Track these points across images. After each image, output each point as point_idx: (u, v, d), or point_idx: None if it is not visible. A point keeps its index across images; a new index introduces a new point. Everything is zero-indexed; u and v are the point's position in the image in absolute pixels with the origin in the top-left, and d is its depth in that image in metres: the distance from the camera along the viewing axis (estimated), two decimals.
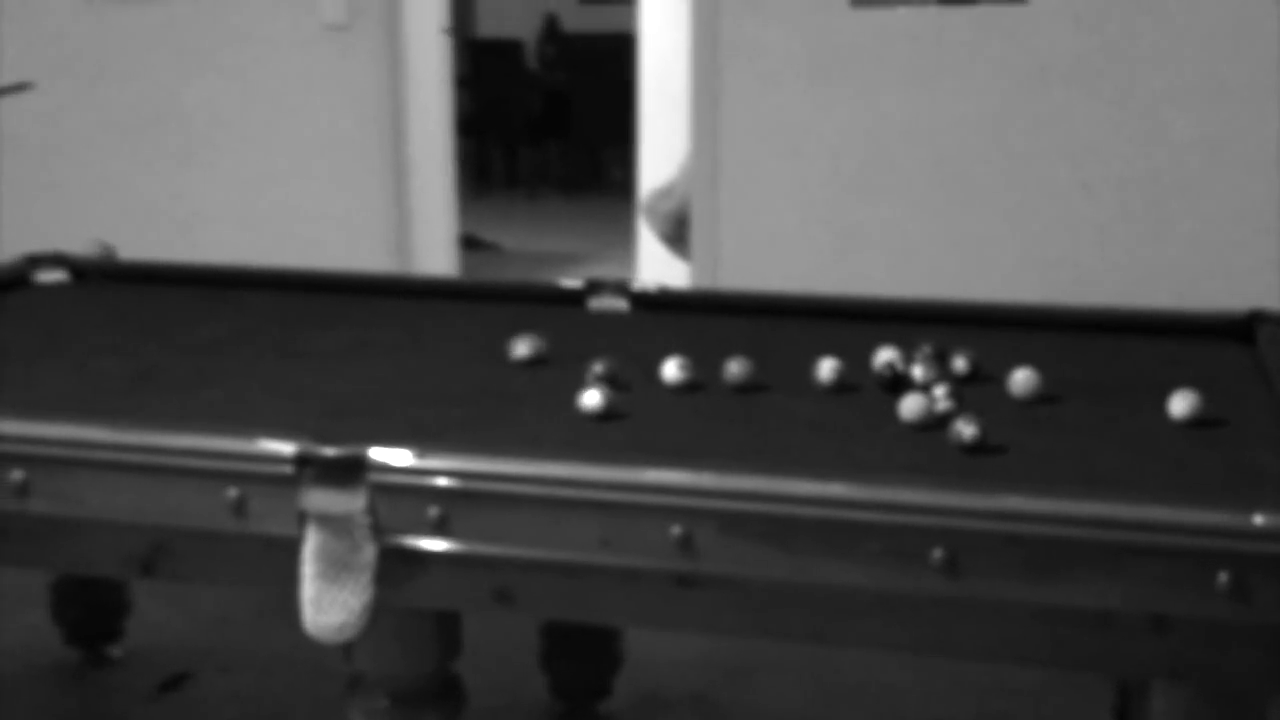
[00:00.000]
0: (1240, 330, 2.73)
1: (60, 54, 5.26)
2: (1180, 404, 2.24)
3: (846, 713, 3.25)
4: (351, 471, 2.01)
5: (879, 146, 4.47)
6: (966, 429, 2.13)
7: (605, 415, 2.28)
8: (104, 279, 3.27)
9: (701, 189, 4.64)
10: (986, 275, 4.37)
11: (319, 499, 2.02)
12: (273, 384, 2.50)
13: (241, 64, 5.10)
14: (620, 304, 3.02)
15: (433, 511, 2.00)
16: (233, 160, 5.16)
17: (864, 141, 4.48)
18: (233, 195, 5.17)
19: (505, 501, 1.99)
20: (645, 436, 2.21)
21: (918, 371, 2.42)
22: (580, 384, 2.38)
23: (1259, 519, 1.77)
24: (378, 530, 2.02)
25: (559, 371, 2.52)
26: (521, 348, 2.59)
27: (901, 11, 4.37)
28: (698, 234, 4.68)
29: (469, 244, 8.12)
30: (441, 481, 2.00)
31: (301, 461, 2.03)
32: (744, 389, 2.43)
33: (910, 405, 2.25)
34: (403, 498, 2.01)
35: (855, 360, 2.47)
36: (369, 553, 2.02)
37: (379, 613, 2.05)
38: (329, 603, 2.03)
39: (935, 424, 2.22)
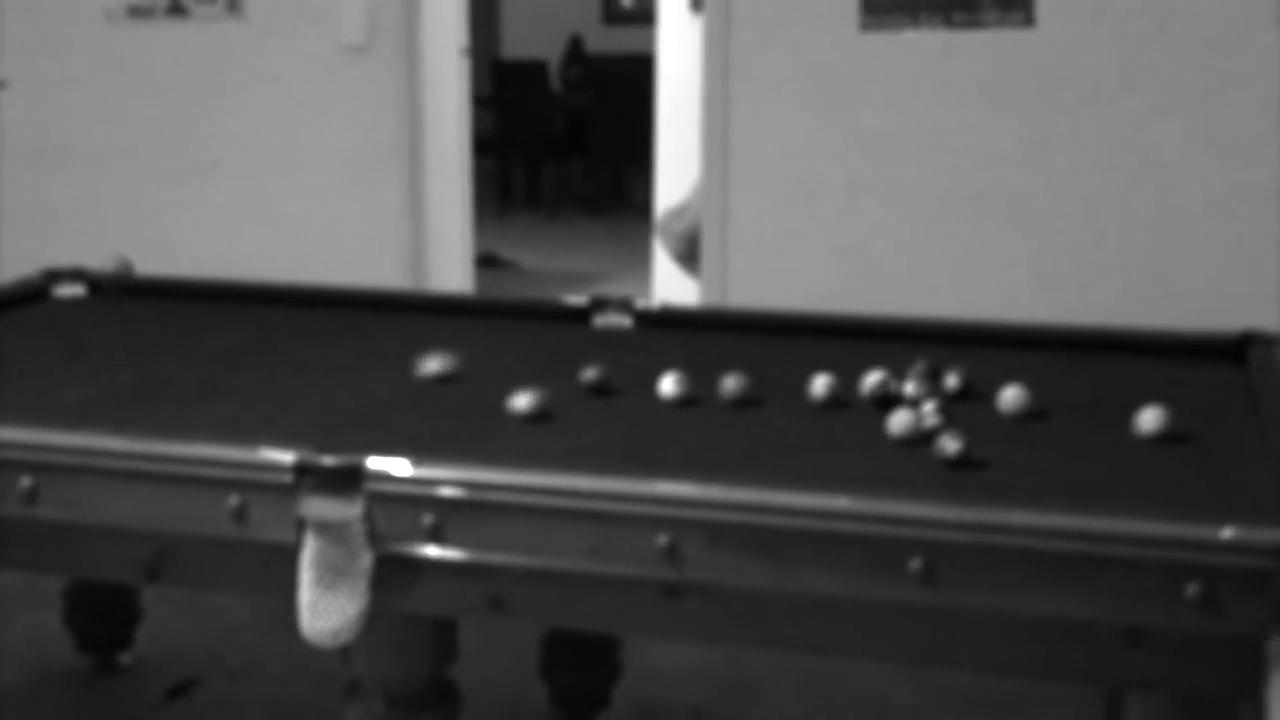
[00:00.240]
0: (1232, 350, 2.77)
1: (85, 71, 5.35)
2: (1149, 420, 2.29)
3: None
4: (349, 480, 2.07)
5: (887, 168, 4.53)
6: (951, 444, 2.17)
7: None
8: (121, 293, 3.34)
9: (712, 208, 4.69)
10: (994, 294, 4.42)
11: (317, 507, 2.07)
12: (278, 396, 2.56)
13: (262, 83, 5.18)
14: (624, 321, 3.07)
15: (428, 520, 2.06)
16: (252, 178, 5.24)
17: (872, 162, 4.53)
18: (252, 212, 5.25)
19: (498, 510, 2.05)
20: (638, 448, 2.26)
21: (909, 388, 2.47)
22: (583, 399, 2.44)
23: (1227, 532, 1.81)
24: (374, 538, 2.07)
25: (560, 385, 2.58)
26: (431, 364, 2.64)
27: (909, 35, 4.42)
28: (708, 253, 4.73)
29: (488, 262, 8.19)
30: (436, 491, 2.06)
31: (300, 470, 2.08)
32: (739, 404, 2.49)
33: (898, 421, 2.30)
34: (398, 506, 2.07)
35: (850, 377, 2.52)
36: (365, 559, 2.07)
37: (375, 618, 2.10)
38: (325, 608, 2.08)
39: (923, 439, 2.27)
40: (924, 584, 1.90)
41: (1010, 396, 2.44)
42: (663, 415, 2.45)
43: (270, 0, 5.11)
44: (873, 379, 2.48)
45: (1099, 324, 2.97)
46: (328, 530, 2.07)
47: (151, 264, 3.71)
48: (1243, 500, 2.00)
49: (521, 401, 2.41)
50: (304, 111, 5.15)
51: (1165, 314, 3.66)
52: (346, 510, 2.07)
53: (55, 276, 3.36)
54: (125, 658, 3.55)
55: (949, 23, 4.37)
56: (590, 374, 2.53)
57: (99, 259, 3.56)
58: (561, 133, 10.88)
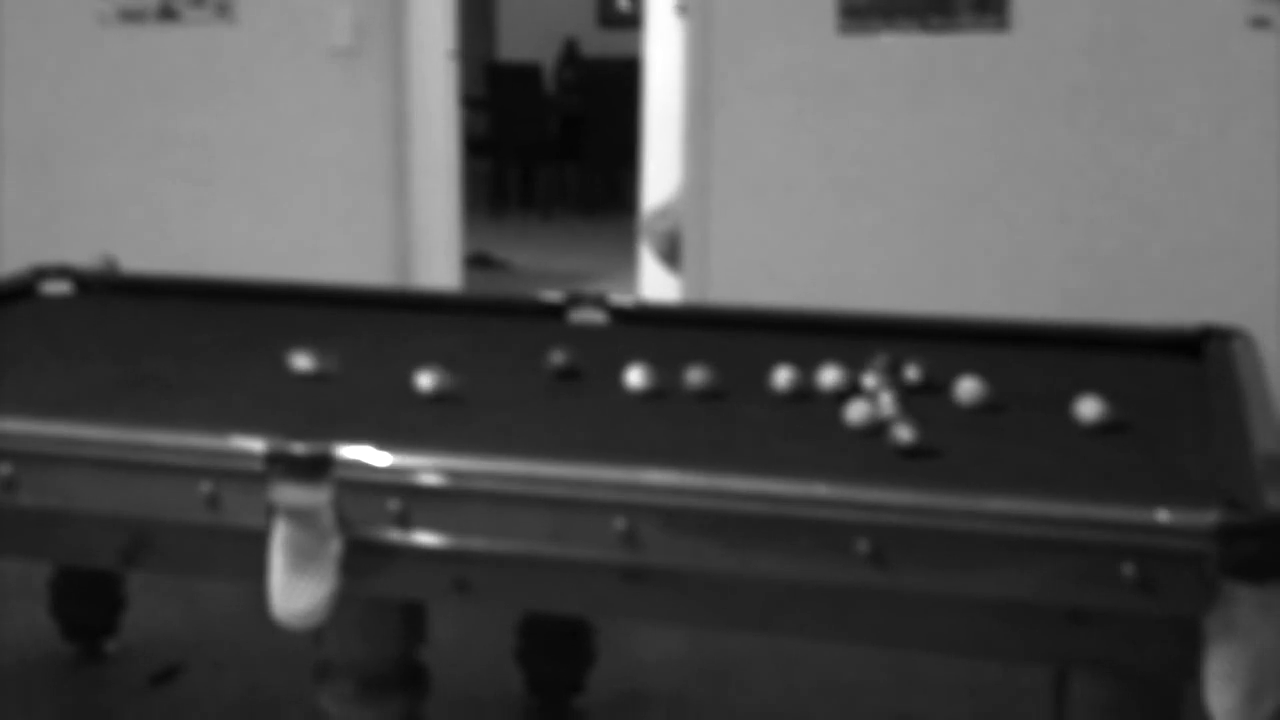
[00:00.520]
0: (1191, 344, 2.84)
1: (76, 73, 5.42)
2: (1087, 409, 2.36)
3: (819, 709, 3.35)
4: (318, 468, 2.14)
5: (864, 168, 4.59)
6: (904, 433, 2.24)
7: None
8: (107, 291, 3.41)
9: (693, 208, 4.76)
10: (969, 291, 4.48)
11: (287, 493, 2.14)
12: (254, 388, 2.63)
13: (252, 85, 5.24)
14: (598, 317, 3.14)
15: (394, 505, 2.12)
16: (241, 179, 5.30)
17: (850, 163, 4.60)
18: (241, 213, 5.32)
19: (462, 496, 2.11)
20: (602, 437, 2.33)
21: (868, 379, 2.54)
22: (551, 391, 2.50)
23: (1162, 515, 1.88)
24: (342, 523, 2.14)
25: (531, 378, 2.65)
26: (300, 361, 2.71)
27: (886, 38, 4.49)
28: (689, 252, 4.80)
29: (481, 262, 8.27)
30: (402, 477, 2.13)
31: (271, 458, 2.15)
32: (703, 395, 2.55)
33: (855, 411, 2.37)
34: (366, 492, 2.14)
35: (813, 370, 2.58)
36: (334, 544, 2.14)
37: (344, 601, 2.17)
38: (295, 591, 2.15)
39: (879, 429, 2.33)
40: (872, 566, 1.96)
41: (966, 388, 2.51)
42: (628, 405, 2.51)
43: (259, 4, 5.18)
44: (831, 377, 2.55)
45: (1070, 320, 3.03)
46: (297, 516, 2.14)
47: (141, 263, 3.78)
48: (1181, 486, 2.06)
49: (425, 381, 2.51)
50: (293, 114, 5.22)
51: (1139, 310, 3.73)
52: (315, 496, 2.13)
53: (42, 274, 3.43)
54: (110, 645, 3.61)
55: (925, 26, 4.44)
56: (558, 358, 2.61)
57: (87, 257, 3.62)
58: (556, 134, 10.95)
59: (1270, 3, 4.18)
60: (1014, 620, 2.01)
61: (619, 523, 2.04)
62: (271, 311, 3.25)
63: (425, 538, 2.13)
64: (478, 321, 3.17)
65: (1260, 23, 4.19)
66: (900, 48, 4.49)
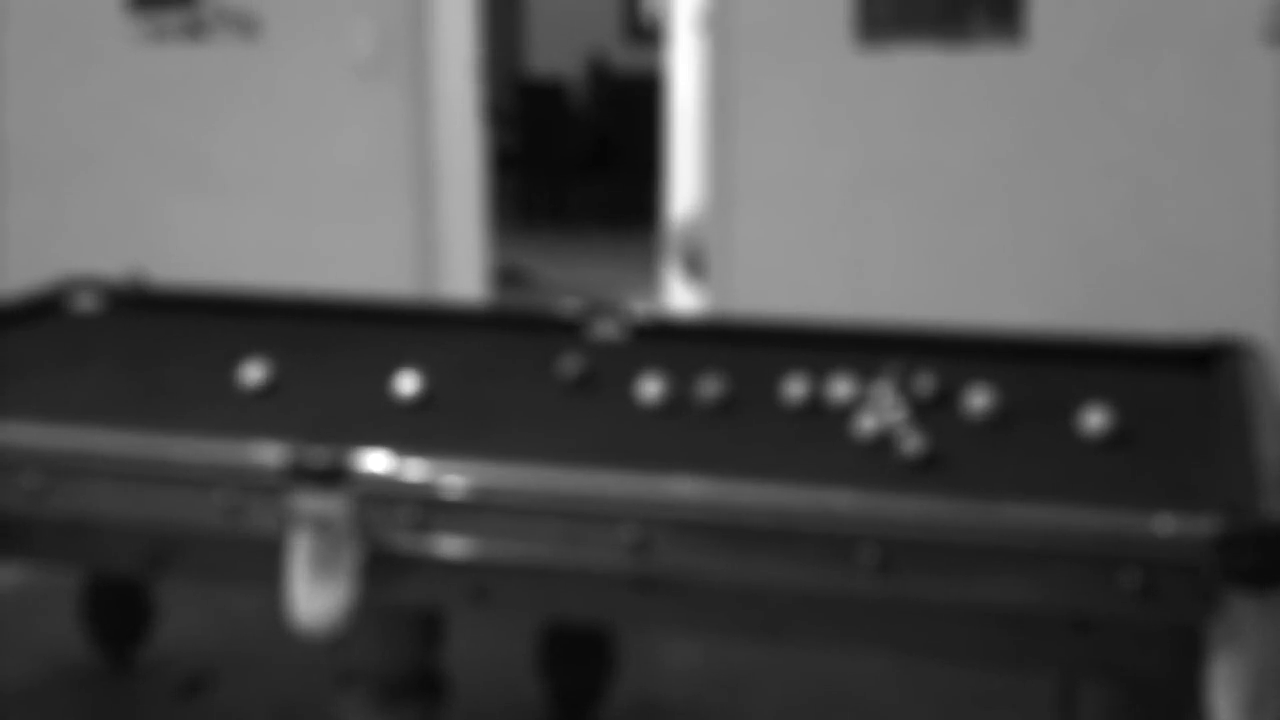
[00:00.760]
0: (1203, 357, 2.86)
1: (107, 89, 5.50)
2: (1092, 421, 2.39)
3: (834, 711, 3.38)
4: (336, 477, 2.18)
5: (882, 179, 4.63)
6: (911, 443, 2.28)
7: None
8: (135, 304, 3.47)
9: (716, 221, 4.81)
10: (983, 303, 4.51)
11: (306, 502, 2.19)
12: (277, 399, 2.68)
13: (276, 100, 5.31)
14: (614, 329, 3.17)
15: (412, 514, 2.17)
16: (267, 193, 5.37)
17: (868, 175, 4.64)
18: (267, 228, 5.38)
19: (478, 506, 2.15)
20: (616, 448, 2.37)
21: (878, 391, 2.57)
22: (567, 402, 2.54)
23: (1163, 525, 1.91)
24: (361, 532, 2.18)
25: (547, 389, 2.69)
26: (252, 372, 2.75)
27: (903, 54, 4.53)
28: (712, 263, 4.84)
29: (511, 277, 8.32)
30: (419, 487, 2.17)
31: (291, 468, 2.20)
32: (717, 406, 2.59)
33: (864, 422, 2.40)
34: (383, 502, 2.18)
35: (825, 381, 2.62)
36: (352, 553, 2.18)
37: (363, 610, 2.22)
38: (314, 599, 2.19)
39: (888, 440, 2.37)
40: (879, 575, 1.99)
41: (977, 400, 2.54)
42: (642, 416, 2.55)
43: (284, 20, 5.24)
44: (842, 390, 2.58)
45: (1082, 330, 3.05)
46: (316, 525, 2.18)
47: (167, 274, 3.84)
48: (1184, 496, 2.09)
49: (407, 385, 2.59)
50: (318, 129, 5.28)
51: (1155, 320, 3.75)
52: (333, 506, 2.18)
53: (73, 286, 3.48)
54: (140, 654, 3.65)
55: (942, 43, 4.47)
56: (573, 369, 2.65)
57: (116, 267, 3.68)
58: (584, 148, 11.01)
59: None
60: (1018, 629, 2.04)
61: (632, 532, 2.08)
62: (294, 325, 3.30)
63: (442, 547, 2.17)
64: (496, 334, 3.21)
65: (1277, 35, 4.21)
66: (916, 63, 4.53)
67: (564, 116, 10.76)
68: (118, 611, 3.64)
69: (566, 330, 3.18)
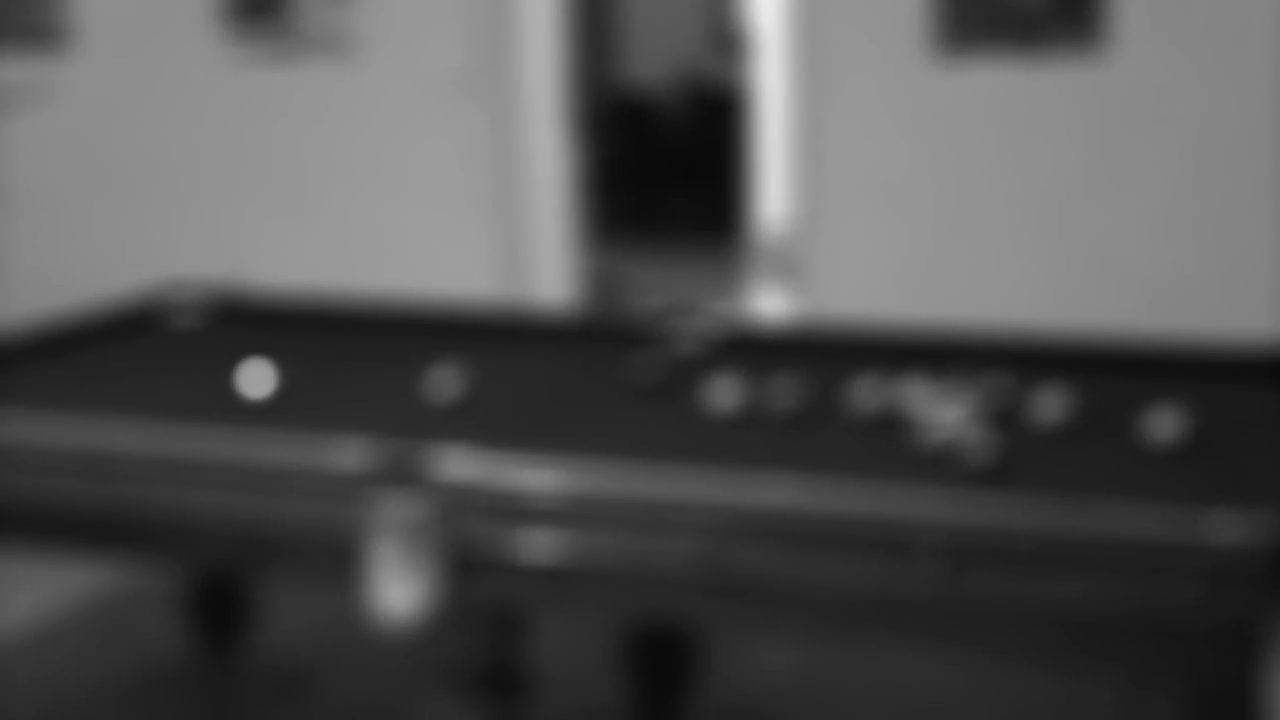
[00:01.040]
0: (1275, 368, 2.88)
1: (210, 107, 5.67)
2: (1161, 427, 2.43)
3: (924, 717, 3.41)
4: (419, 478, 2.27)
5: (962, 188, 4.67)
6: (979, 452, 2.33)
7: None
8: (234, 315, 3.58)
9: (804, 228, 4.89)
10: (1061, 310, 4.54)
11: (389, 502, 2.28)
12: (361, 406, 2.78)
13: (366, 115, 5.44)
14: (693, 339, 3.22)
15: (493, 517, 2.25)
16: (358, 208, 5.51)
17: (949, 184, 4.69)
18: (358, 242, 5.52)
19: (559, 507, 2.24)
20: (692, 452, 2.43)
21: (953, 399, 2.62)
22: (642, 409, 2.62)
23: (1226, 530, 1.95)
24: (444, 532, 2.27)
25: (626, 398, 2.76)
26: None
27: (982, 68, 4.57)
28: (801, 270, 4.93)
29: (599, 283, 8.40)
30: (501, 490, 2.26)
31: (374, 469, 2.29)
32: (793, 414, 2.65)
33: (936, 430, 2.45)
34: (466, 502, 2.27)
35: (899, 391, 2.67)
36: (436, 553, 2.27)
37: (445, 610, 2.30)
38: (396, 600, 2.28)
39: (958, 448, 2.42)
40: (946, 582, 2.06)
41: (1048, 406, 2.58)
42: (717, 423, 2.62)
43: (375, 38, 5.38)
44: (914, 393, 2.64)
45: (1157, 340, 3.07)
46: (399, 526, 2.27)
47: (263, 278, 3.93)
48: (1248, 503, 2.12)
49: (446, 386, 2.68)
50: (408, 142, 5.40)
51: (1237, 330, 3.75)
52: (416, 506, 2.27)
53: (172, 292, 3.60)
54: (238, 656, 3.74)
55: (1022, 53, 4.51)
56: (649, 376, 2.71)
57: (216, 274, 3.80)
58: (673, 157, 11.08)
59: None
60: (1083, 633, 2.07)
61: (708, 538, 2.15)
62: (392, 338, 3.40)
63: (523, 547, 2.25)
64: (578, 343, 3.29)
65: None
66: (995, 74, 4.57)
67: (653, 126, 10.84)
68: (218, 611, 3.74)
69: (646, 340, 3.25)
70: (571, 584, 2.28)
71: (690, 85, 11.69)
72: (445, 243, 5.40)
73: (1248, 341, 3.00)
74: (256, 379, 2.71)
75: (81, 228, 6.01)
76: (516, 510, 2.25)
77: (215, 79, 5.64)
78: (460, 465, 2.28)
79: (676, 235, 11.12)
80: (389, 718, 3.40)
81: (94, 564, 4.26)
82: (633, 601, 2.31)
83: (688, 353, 3.16)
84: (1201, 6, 4.37)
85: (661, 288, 8.94)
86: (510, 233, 5.31)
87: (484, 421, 2.66)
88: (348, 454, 2.35)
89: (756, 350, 3.18)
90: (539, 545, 2.25)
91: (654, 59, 12.12)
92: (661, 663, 3.35)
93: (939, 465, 2.37)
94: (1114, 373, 2.93)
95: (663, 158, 11.01)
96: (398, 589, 2.28)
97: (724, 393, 2.68)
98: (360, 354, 3.23)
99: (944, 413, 2.55)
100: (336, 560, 2.38)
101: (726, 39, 11.81)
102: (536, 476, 2.26)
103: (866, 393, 2.66)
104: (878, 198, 4.78)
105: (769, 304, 6.18)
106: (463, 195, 5.36)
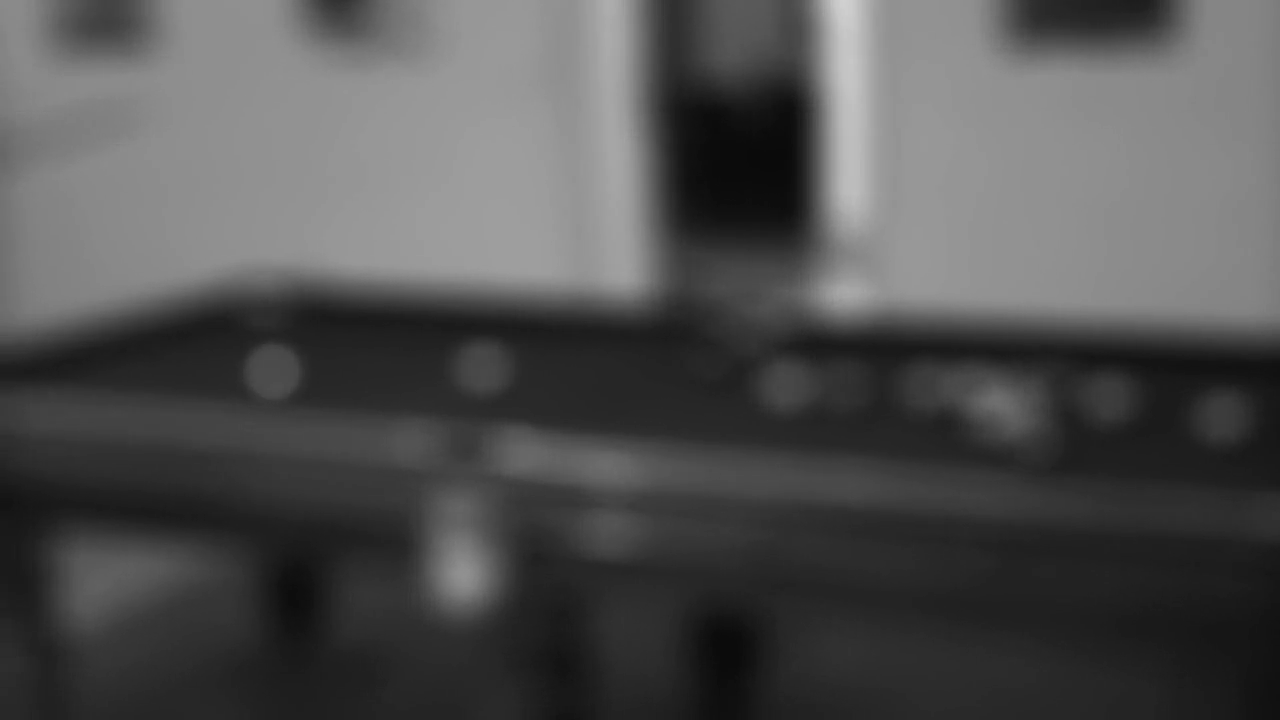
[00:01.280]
0: None
1: (291, 106, 5.76)
2: (1220, 421, 2.43)
3: (992, 710, 3.42)
4: (486, 467, 2.33)
5: (1035, 179, 4.67)
6: (1038, 447, 2.35)
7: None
8: (310, 312, 3.66)
9: (878, 219, 4.91)
10: (1129, 304, 4.53)
11: (456, 492, 2.33)
12: (428, 398, 2.84)
13: (441, 110, 5.52)
14: (761, 336, 3.25)
15: (552, 506, 2.30)
16: (433, 197, 5.59)
17: (1021, 175, 4.68)
18: (433, 229, 5.60)
19: (617, 499, 2.28)
20: (756, 445, 2.47)
21: (1018, 395, 2.64)
22: (706, 403, 2.65)
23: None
24: (504, 522, 2.32)
25: (687, 390, 2.80)
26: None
27: (1055, 60, 4.57)
28: (874, 262, 4.95)
29: (673, 273, 8.44)
30: (562, 480, 2.31)
31: (435, 459, 2.35)
32: (857, 410, 2.67)
33: (995, 426, 2.47)
34: (533, 494, 2.32)
35: (965, 386, 2.69)
36: (500, 541, 2.32)
37: (507, 596, 2.35)
38: (462, 587, 2.33)
39: (1021, 445, 2.44)
40: (1006, 574, 2.09)
41: (1109, 403, 2.59)
42: (784, 417, 2.65)
43: (449, 32, 5.45)
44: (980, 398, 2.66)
45: (1226, 335, 3.06)
46: (465, 513, 2.32)
47: (342, 265, 4.00)
48: None
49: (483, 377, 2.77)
50: (484, 136, 5.47)
51: None
52: (482, 495, 2.32)
53: (251, 292, 3.68)
54: (316, 639, 3.81)
55: (1095, 45, 4.50)
56: (714, 371, 2.74)
57: (297, 263, 3.87)
58: (749, 148, 11.10)
59: None
60: (1138, 627, 2.10)
61: (771, 529, 2.19)
62: (460, 334, 3.45)
63: (587, 537, 2.30)
64: (646, 338, 3.33)
65: None
66: (1067, 66, 4.56)
67: (727, 115, 10.86)
68: (293, 602, 3.82)
69: (711, 334, 3.28)
70: (634, 573, 2.32)
71: (765, 75, 11.69)
72: (520, 233, 5.47)
73: None
74: (271, 373, 2.79)
75: (175, 221, 6.13)
76: (581, 500, 2.30)
77: (297, 79, 5.75)
78: (525, 451, 2.33)
79: (748, 224, 11.14)
80: (459, 708, 3.46)
81: (170, 550, 4.37)
82: (695, 591, 2.36)
83: (753, 346, 3.19)
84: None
85: (732, 277, 8.97)
86: (583, 222, 5.37)
87: (550, 412, 2.70)
88: (416, 438, 2.40)
89: (822, 343, 3.20)
90: (603, 534, 2.30)
91: (729, 48, 12.13)
92: (724, 652, 3.40)
93: (1001, 460, 2.39)
94: (1179, 367, 2.93)
95: (736, 147, 11.02)
96: (463, 576, 2.33)
97: (789, 385, 2.71)
98: (430, 346, 3.29)
99: (1007, 407, 2.57)
100: (404, 548, 2.44)
101: (802, 28, 11.80)
102: (601, 466, 2.30)
103: (930, 387, 2.68)
104: (950, 188, 4.79)
105: (841, 293, 6.20)
106: (538, 185, 5.42)
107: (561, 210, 5.41)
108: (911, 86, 4.80)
